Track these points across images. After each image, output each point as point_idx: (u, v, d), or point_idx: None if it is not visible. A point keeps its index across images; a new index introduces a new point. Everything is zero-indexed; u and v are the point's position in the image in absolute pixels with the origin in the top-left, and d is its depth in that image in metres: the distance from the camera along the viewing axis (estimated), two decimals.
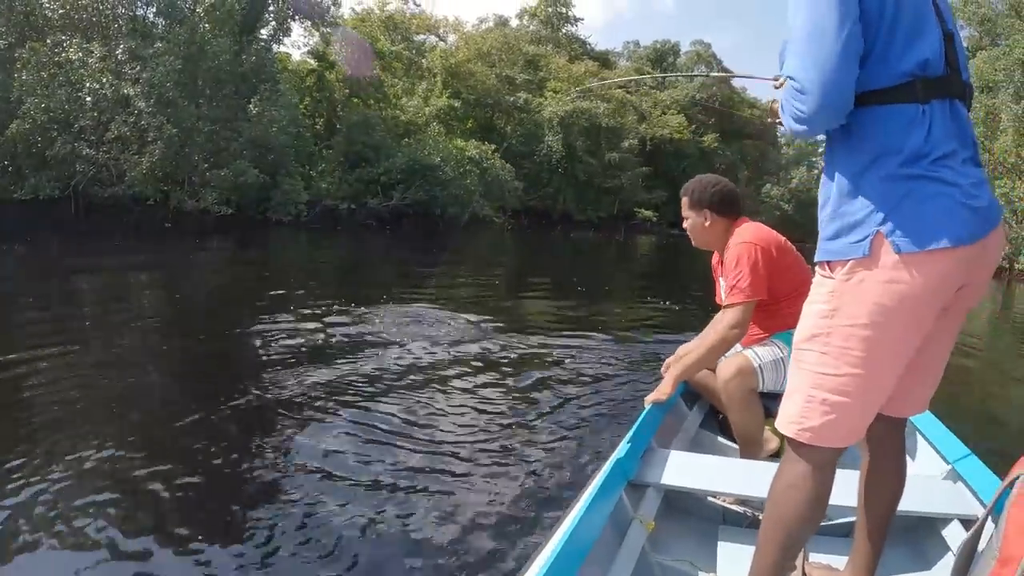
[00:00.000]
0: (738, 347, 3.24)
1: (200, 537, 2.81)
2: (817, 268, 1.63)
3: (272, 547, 2.76)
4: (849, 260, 1.51)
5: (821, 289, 1.59)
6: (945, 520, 2.40)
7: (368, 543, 2.82)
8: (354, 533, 2.88)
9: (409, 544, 2.81)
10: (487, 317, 8.19)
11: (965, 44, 30.68)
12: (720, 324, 3.09)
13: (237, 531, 2.88)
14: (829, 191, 1.60)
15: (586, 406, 4.89)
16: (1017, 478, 1.51)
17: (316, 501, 3.15)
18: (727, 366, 3.09)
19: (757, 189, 60.03)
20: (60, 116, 20.08)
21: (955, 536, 2.31)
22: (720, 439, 3.56)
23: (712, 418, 3.72)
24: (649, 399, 3.12)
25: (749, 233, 3.18)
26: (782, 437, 2.95)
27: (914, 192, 1.45)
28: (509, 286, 12.83)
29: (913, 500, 2.03)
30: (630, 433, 2.67)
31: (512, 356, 6.34)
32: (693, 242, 3.44)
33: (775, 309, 3.18)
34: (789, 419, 1.64)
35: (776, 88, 1.68)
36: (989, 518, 1.61)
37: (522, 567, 1.87)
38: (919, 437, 3.09)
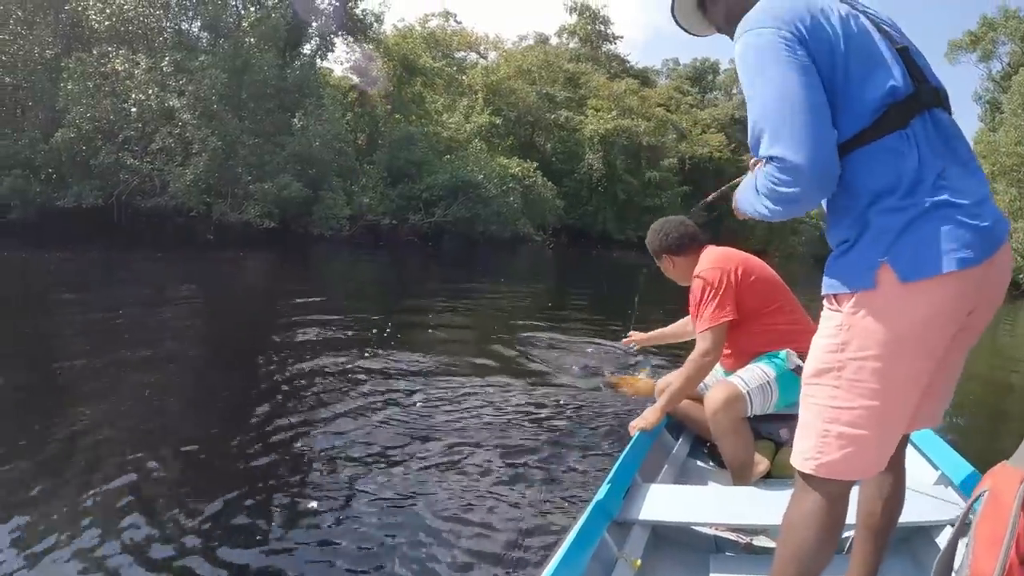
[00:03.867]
0: (721, 373, 3.37)
1: (221, 534, 2.90)
2: (824, 302, 1.62)
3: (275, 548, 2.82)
4: (856, 293, 1.51)
5: (829, 323, 1.59)
6: (938, 527, 2.39)
7: None
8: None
9: None
10: (520, 344, 7.69)
11: (1006, 60, 30.37)
12: (694, 353, 3.18)
13: (248, 536, 2.93)
14: (834, 227, 1.60)
15: (590, 440, 4.51)
16: (983, 492, 1.51)
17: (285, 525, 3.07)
18: (715, 396, 3.06)
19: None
20: (105, 126, 20.05)
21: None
22: (708, 467, 3.51)
23: (699, 447, 3.68)
24: (634, 425, 3.22)
25: (706, 261, 3.29)
26: (771, 458, 3.05)
27: (916, 220, 1.44)
28: (548, 310, 12.23)
29: (907, 510, 1.94)
30: (612, 472, 2.63)
31: (539, 391, 5.72)
32: (677, 282, 3.59)
33: (748, 329, 3.23)
34: (804, 455, 1.61)
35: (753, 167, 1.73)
36: (958, 532, 1.61)
37: None
38: (907, 445, 2.80)
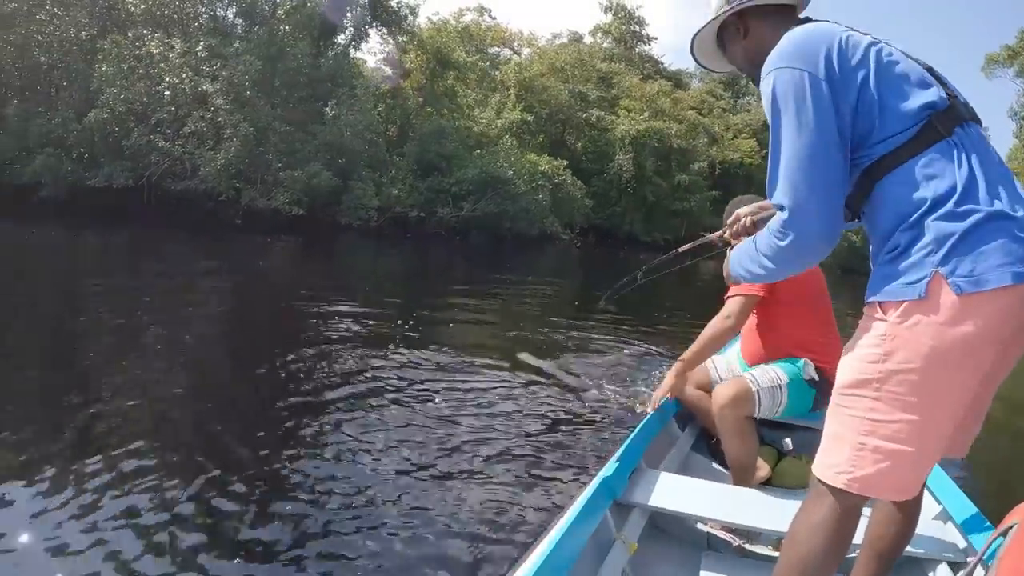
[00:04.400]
0: (739, 366, 3.37)
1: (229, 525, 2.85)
2: (866, 309, 1.57)
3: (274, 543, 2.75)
4: (904, 302, 1.45)
5: (872, 332, 1.52)
6: (933, 562, 2.38)
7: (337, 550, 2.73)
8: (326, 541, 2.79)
9: (383, 558, 2.70)
10: (539, 340, 7.66)
11: None
12: (716, 317, 3.16)
13: (254, 520, 2.91)
14: (880, 235, 1.56)
15: (599, 425, 4.66)
16: (1011, 527, 1.53)
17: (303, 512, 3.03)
18: (724, 390, 3.03)
19: None
20: (138, 108, 20.14)
21: None
22: (710, 463, 3.49)
23: (703, 441, 3.66)
24: (656, 396, 3.31)
25: None
26: (773, 465, 3.13)
27: (972, 229, 1.39)
28: (575, 309, 11.92)
29: None
30: (619, 452, 2.62)
31: (552, 380, 5.83)
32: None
33: (782, 323, 3.19)
34: (836, 468, 1.55)
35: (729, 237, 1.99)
36: (980, 566, 1.65)
37: None
38: None
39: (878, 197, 1.54)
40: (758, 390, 3.00)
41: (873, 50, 1.55)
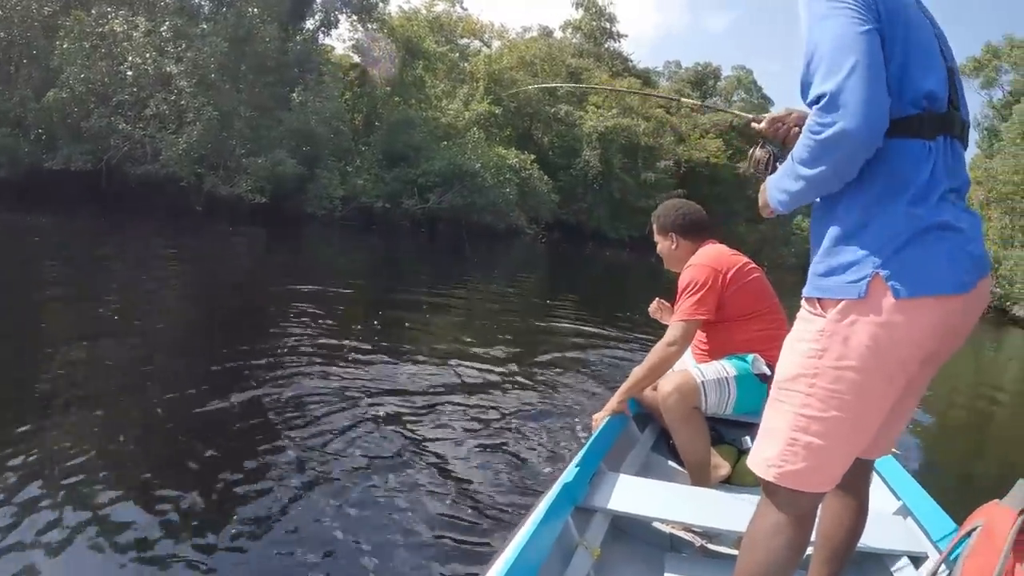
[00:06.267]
0: (685, 364, 3.31)
1: (197, 523, 2.82)
2: (804, 303, 1.57)
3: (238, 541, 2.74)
4: (842, 300, 1.46)
5: (809, 327, 1.53)
6: (894, 556, 2.40)
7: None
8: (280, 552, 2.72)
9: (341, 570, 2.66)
10: (505, 336, 7.72)
11: (1008, 88, 30.69)
12: (661, 342, 3.14)
13: (213, 525, 2.84)
14: (825, 226, 1.54)
15: (559, 428, 4.67)
16: (975, 528, 1.58)
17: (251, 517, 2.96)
18: (667, 381, 3.06)
19: (789, 220, 59.06)
20: (99, 88, 19.65)
21: (903, 573, 2.33)
22: (670, 463, 3.49)
23: (663, 442, 3.63)
24: (597, 416, 3.21)
25: (704, 256, 3.28)
26: (733, 464, 3.15)
27: (918, 236, 1.41)
28: (535, 307, 12.02)
29: (864, 536, 1.91)
30: (579, 456, 2.63)
31: (517, 380, 5.84)
32: (665, 264, 3.55)
33: (725, 331, 3.23)
34: (768, 461, 1.57)
35: (757, 126, 1.83)
36: (944, 564, 1.70)
37: None
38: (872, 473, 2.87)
39: None
40: (703, 381, 3.02)
41: (920, 15, 1.52)
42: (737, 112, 2.51)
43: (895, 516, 2.68)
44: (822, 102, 1.39)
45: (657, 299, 3.89)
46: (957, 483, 5.00)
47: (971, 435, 7.38)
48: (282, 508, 3.02)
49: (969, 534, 1.58)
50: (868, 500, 1.86)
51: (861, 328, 1.43)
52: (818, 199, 1.58)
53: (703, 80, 62.40)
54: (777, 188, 1.63)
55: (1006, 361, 16.57)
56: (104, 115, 19.55)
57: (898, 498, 2.78)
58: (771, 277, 3.50)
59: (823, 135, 1.40)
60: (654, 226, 3.54)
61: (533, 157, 35.94)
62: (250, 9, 23.71)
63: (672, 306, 3.90)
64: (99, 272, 9.08)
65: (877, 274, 1.41)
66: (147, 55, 20.35)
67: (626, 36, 71.86)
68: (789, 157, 1.55)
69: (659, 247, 3.54)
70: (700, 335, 3.34)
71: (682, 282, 3.23)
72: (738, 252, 3.39)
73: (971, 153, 41.02)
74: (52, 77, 19.34)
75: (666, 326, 3.99)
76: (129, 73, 20.31)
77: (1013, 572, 1.46)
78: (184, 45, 21.35)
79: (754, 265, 3.35)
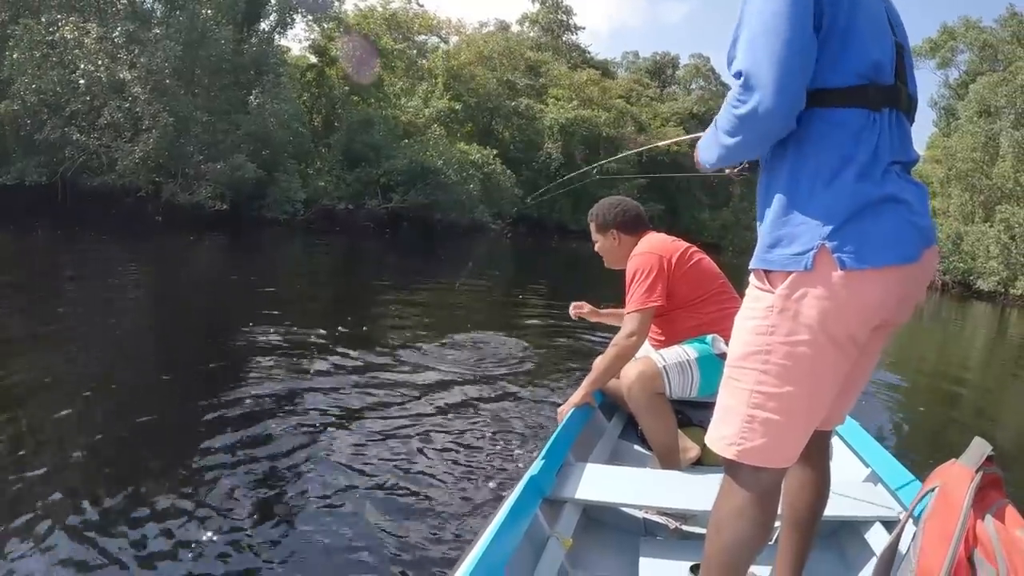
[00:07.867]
0: (645, 350, 3.32)
1: (172, 533, 2.80)
2: (752, 278, 1.57)
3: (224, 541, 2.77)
4: (791, 273, 1.46)
5: (758, 304, 1.53)
6: (867, 523, 2.44)
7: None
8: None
9: (309, 568, 2.67)
10: (470, 333, 7.66)
11: (964, 68, 31.20)
12: (619, 335, 3.16)
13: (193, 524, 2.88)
14: (770, 197, 1.54)
15: (528, 422, 4.69)
16: (933, 489, 1.57)
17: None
18: (630, 369, 3.10)
19: (752, 205, 59.64)
20: (51, 98, 19.20)
21: (877, 538, 2.35)
22: (639, 449, 3.51)
23: (631, 429, 3.66)
24: (562, 409, 3.21)
25: (646, 245, 3.33)
26: (702, 445, 2.94)
27: (864, 207, 1.41)
28: (500, 303, 12.10)
29: (835, 505, 1.98)
30: (545, 448, 2.65)
31: (483, 375, 5.89)
32: (606, 263, 3.59)
33: (677, 316, 3.27)
34: (727, 440, 1.57)
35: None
36: (910, 520, 1.67)
37: None
38: (838, 442, 3.12)
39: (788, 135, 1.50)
40: (664, 367, 3.07)
41: None
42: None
43: (865, 483, 2.73)
44: (740, 79, 1.43)
45: (573, 303, 3.97)
46: (926, 447, 5.11)
47: (938, 401, 7.68)
48: (248, 512, 3.03)
49: (927, 495, 1.59)
50: (829, 470, 1.88)
51: (809, 302, 1.44)
52: (762, 168, 1.62)
53: (661, 69, 62.80)
54: (705, 149, 1.67)
55: (971, 332, 17.15)
56: (57, 126, 19.13)
57: (867, 465, 2.85)
58: (736, 262, 3.55)
59: (739, 111, 1.45)
60: (592, 226, 3.55)
61: (495, 152, 35.88)
62: (204, 11, 23.34)
63: (591, 305, 4.01)
64: (56, 284, 9.01)
65: (823, 245, 1.42)
66: (99, 62, 19.96)
67: (583, 28, 72.04)
68: (713, 123, 1.59)
69: (598, 246, 3.56)
70: (654, 328, 3.35)
71: (629, 273, 3.27)
72: (678, 239, 3.44)
73: (929, 132, 41.88)
74: (3, 88, 18.91)
75: (595, 324, 4.03)
76: (82, 81, 19.88)
77: (975, 529, 1.47)
78: (137, 50, 20.94)
79: (696, 249, 3.41)
